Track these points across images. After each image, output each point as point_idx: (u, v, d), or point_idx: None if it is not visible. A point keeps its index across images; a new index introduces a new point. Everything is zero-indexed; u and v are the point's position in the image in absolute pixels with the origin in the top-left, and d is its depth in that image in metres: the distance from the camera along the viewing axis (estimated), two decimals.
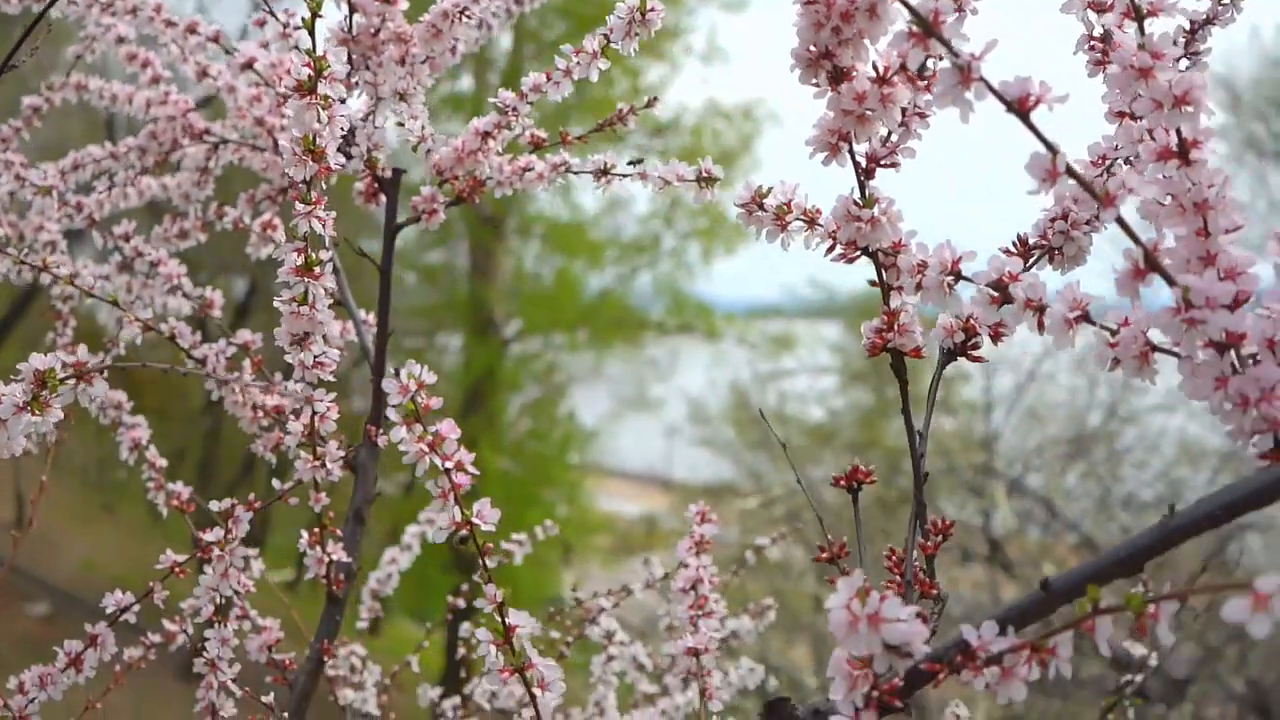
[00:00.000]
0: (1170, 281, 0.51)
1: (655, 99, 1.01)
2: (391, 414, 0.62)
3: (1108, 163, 0.70)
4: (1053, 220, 0.69)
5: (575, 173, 0.99)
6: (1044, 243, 0.69)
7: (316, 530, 0.96)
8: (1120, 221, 0.51)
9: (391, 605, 1.52)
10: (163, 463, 1.10)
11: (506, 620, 0.65)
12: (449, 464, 0.62)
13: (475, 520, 0.63)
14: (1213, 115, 0.55)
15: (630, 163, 0.85)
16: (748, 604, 1.50)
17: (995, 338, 0.67)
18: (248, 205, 1.19)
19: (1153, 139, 0.56)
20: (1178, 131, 0.53)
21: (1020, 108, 0.51)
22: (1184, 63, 0.73)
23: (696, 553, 0.98)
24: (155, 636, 1.13)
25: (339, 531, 0.96)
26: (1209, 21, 0.74)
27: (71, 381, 0.67)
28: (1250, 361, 0.52)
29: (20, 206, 1.33)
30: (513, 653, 0.65)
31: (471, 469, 0.63)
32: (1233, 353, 0.53)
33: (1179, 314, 0.51)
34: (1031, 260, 0.69)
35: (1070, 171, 0.50)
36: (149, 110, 1.21)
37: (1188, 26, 0.74)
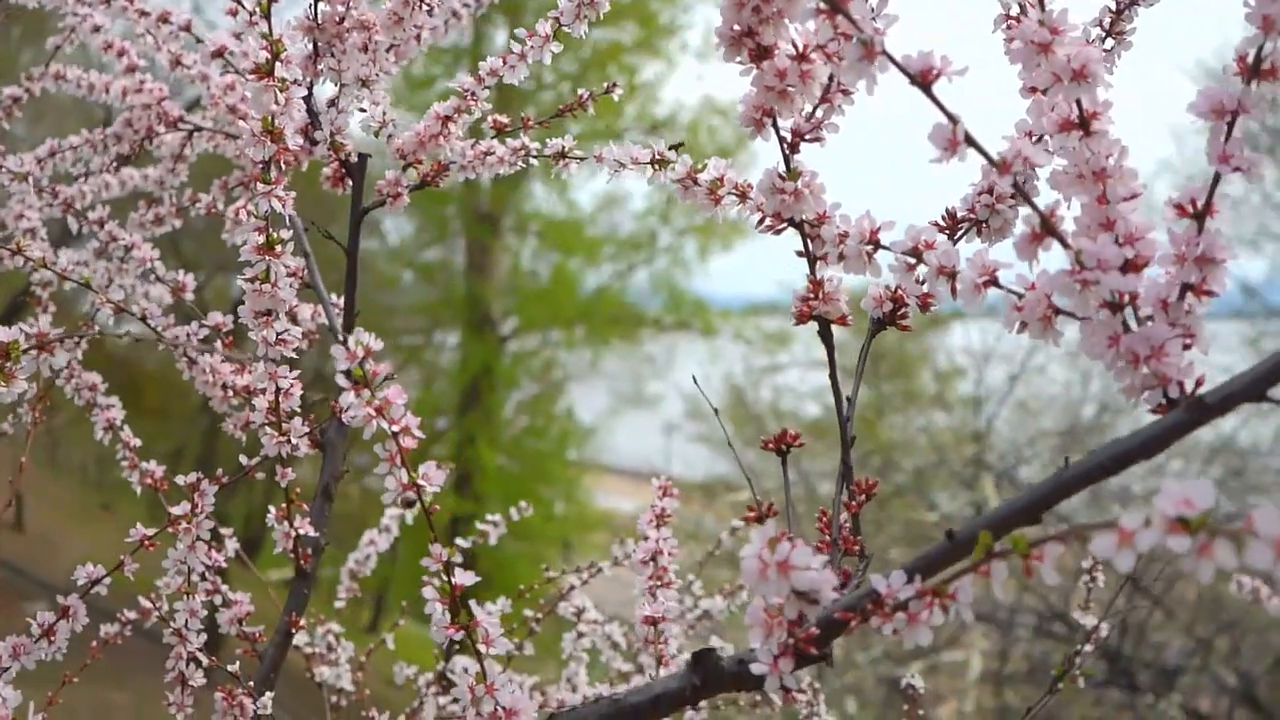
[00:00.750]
0: (1065, 245, 0.54)
1: (615, 84, 1.04)
2: (340, 379, 0.64)
3: (1033, 139, 0.72)
4: (979, 194, 0.71)
5: (535, 157, 1.01)
6: (971, 216, 0.71)
7: (284, 506, 0.98)
8: (1017, 188, 0.54)
9: (390, 605, 1.54)
10: (136, 442, 1.13)
11: (452, 580, 0.68)
12: (396, 428, 0.65)
13: (421, 482, 0.66)
14: (1110, 88, 0.57)
15: (671, 147, 0.85)
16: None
17: (924, 307, 0.70)
18: (221, 191, 1.21)
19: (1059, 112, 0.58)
20: (1078, 103, 0.56)
21: (923, 80, 0.53)
22: (1109, 42, 0.76)
23: (657, 526, 1.01)
24: (130, 613, 1.16)
25: (305, 506, 0.99)
26: (1134, 2, 0.76)
27: (34, 352, 0.70)
28: (1146, 322, 0.55)
29: (2, 196, 1.35)
30: (459, 610, 0.67)
31: (418, 433, 0.66)
32: (1130, 312, 0.55)
33: (1074, 275, 0.53)
34: (960, 233, 0.72)
35: (969, 140, 0.53)
36: (125, 98, 1.23)
37: (1114, 6, 0.77)
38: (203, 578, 0.97)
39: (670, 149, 0.86)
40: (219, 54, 1.10)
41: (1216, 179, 0.55)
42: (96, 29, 1.24)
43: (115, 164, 1.22)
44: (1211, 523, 0.39)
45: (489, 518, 1.43)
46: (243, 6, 1.00)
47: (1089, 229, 0.56)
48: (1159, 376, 0.53)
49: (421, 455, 0.67)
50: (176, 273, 1.12)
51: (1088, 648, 1.13)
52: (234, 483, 0.96)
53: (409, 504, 0.67)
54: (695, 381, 1.17)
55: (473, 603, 0.68)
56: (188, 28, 1.14)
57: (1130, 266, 0.55)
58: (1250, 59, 0.54)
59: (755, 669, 0.57)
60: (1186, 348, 0.54)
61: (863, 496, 0.68)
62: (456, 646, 1.58)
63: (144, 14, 1.14)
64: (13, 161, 1.17)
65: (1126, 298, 0.54)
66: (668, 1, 11.07)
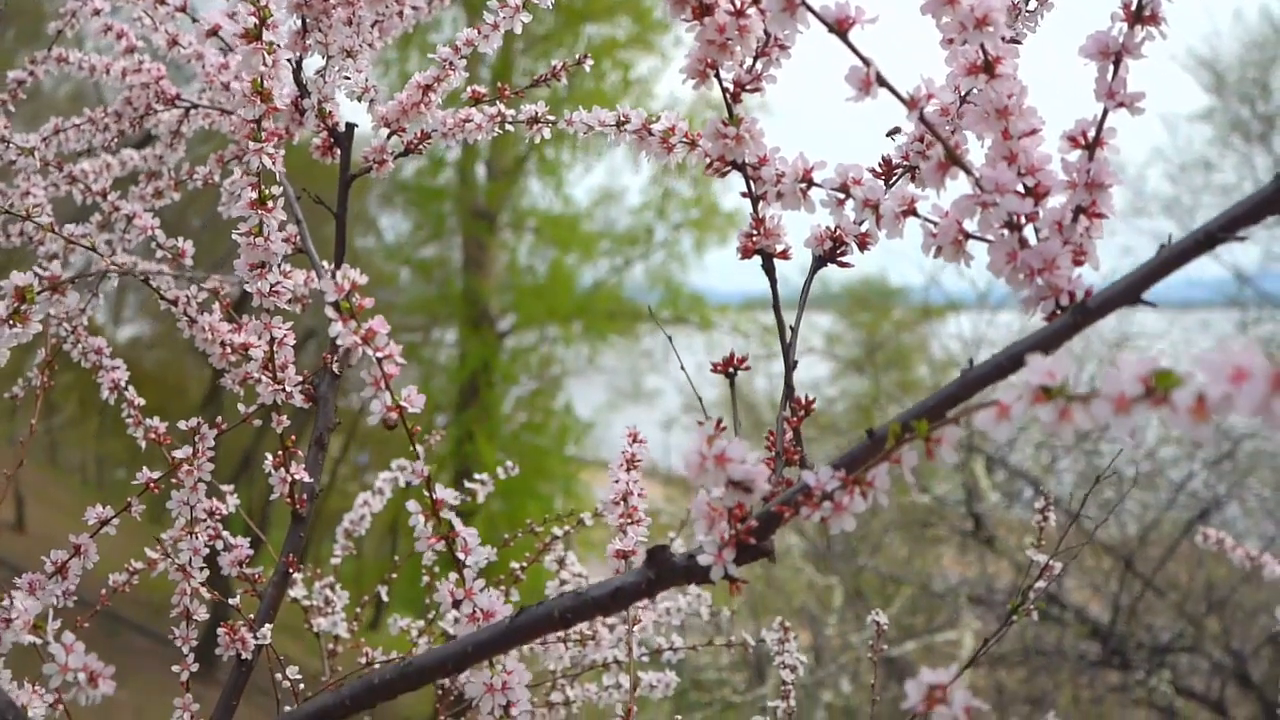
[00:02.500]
0: (968, 172, 0.61)
1: (587, 56, 1.11)
2: (329, 311, 0.71)
3: (962, 92, 0.79)
4: (912, 142, 0.78)
5: (511, 123, 1.08)
6: (905, 162, 0.78)
7: (280, 452, 1.05)
8: (923, 121, 0.60)
9: (389, 601, 1.61)
10: (141, 401, 1.19)
11: (434, 494, 0.74)
12: (380, 354, 0.72)
13: (404, 404, 0.73)
14: (1016, 40, 0.64)
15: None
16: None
17: (862, 246, 0.77)
18: (217, 164, 1.28)
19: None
20: (982, 48, 0.63)
21: (840, 28, 0.60)
22: (1033, 2, 0.82)
23: (627, 469, 1.08)
24: (137, 563, 1.22)
25: (300, 453, 1.05)
26: None
27: (47, 294, 0.76)
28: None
29: (8, 176, 1.42)
30: (440, 522, 0.74)
31: (400, 359, 0.72)
32: (1030, 232, 0.62)
33: (975, 199, 0.60)
34: (895, 177, 0.78)
35: (880, 80, 0.60)
36: (125, 78, 1.30)
37: None
38: (209, 516, 1.04)
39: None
40: (213, 33, 1.16)
41: (1105, 113, 0.62)
42: (96, 12, 1.30)
43: (116, 142, 1.29)
44: (1068, 390, 0.46)
45: (477, 476, 1.49)
46: None
47: (994, 161, 0.63)
48: (1051, 288, 0.60)
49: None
50: (176, 240, 1.19)
51: (1040, 583, 1.20)
52: (233, 429, 1.03)
53: (390, 425, 0.74)
54: (682, 368, 1.20)
55: (453, 517, 0.75)
56: (183, 8, 1.20)
57: (1033, 194, 0.62)
58: (1134, 6, 0.61)
59: (702, 560, 0.64)
60: (1079, 264, 0.61)
61: (803, 412, 0.74)
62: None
63: None
64: (19, 138, 1.24)
65: (1023, 218, 0.60)
66: None
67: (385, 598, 1.52)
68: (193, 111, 1.30)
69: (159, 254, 1.23)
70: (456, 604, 0.73)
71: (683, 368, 1.23)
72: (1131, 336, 7.97)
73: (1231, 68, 8.90)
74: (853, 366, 10.14)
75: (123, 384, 1.22)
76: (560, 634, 1.27)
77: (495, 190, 11.91)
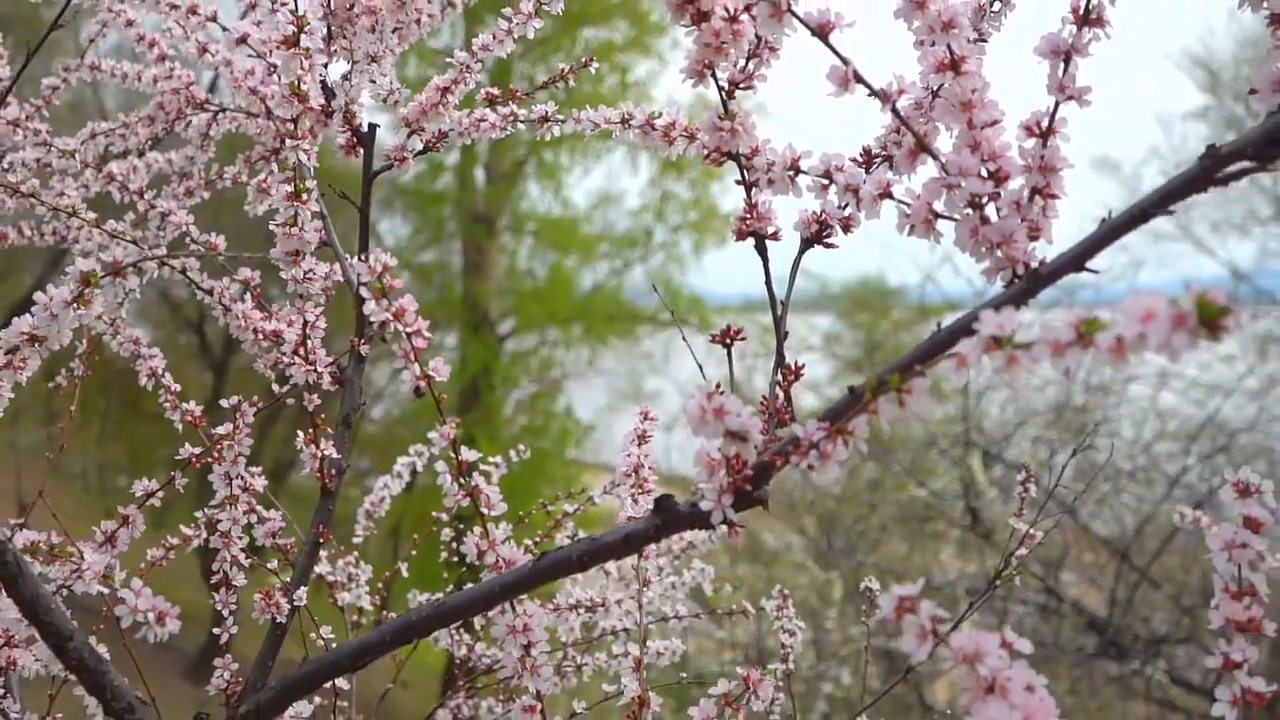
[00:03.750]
0: (935, 158, 0.69)
1: (591, 59, 1.19)
2: (364, 291, 0.79)
3: (933, 87, 0.87)
4: (889, 133, 0.86)
5: (522, 122, 1.16)
6: (883, 151, 0.86)
7: (311, 430, 1.13)
8: (895, 113, 0.68)
9: (393, 605, 1.68)
10: (176, 387, 1.27)
11: (460, 455, 0.82)
12: (410, 329, 0.80)
13: (431, 373, 0.81)
14: (983, 42, 0.72)
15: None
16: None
17: (845, 229, 0.85)
18: (244, 165, 1.36)
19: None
20: (949, 48, 0.71)
21: (822, 32, 0.68)
22: (997, 4, 0.91)
23: (638, 444, 1.16)
24: (173, 539, 1.30)
25: (330, 430, 1.13)
26: None
27: (109, 278, 0.84)
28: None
29: (44, 177, 1.50)
30: (465, 481, 0.82)
31: (427, 334, 0.80)
32: (992, 210, 0.70)
33: (942, 182, 0.68)
34: (875, 165, 0.86)
35: (857, 77, 0.68)
36: (156, 84, 1.38)
37: None
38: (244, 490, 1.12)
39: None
40: (242, 41, 1.24)
41: (1056, 105, 0.70)
42: (130, 23, 1.39)
43: (149, 144, 1.37)
44: (1013, 339, 0.54)
45: (490, 460, 1.57)
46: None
47: (960, 149, 0.71)
48: (1009, 259, 0.68)
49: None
50: (209, 235, 1.27)
51: (1021, 550, 1.27)
52: (267, 409, 1.11)
53: (420, 394, 0.82)
54: (694, 358, 1.29)
55: (476, 475, 0.83)
56: (214, 18, 1.29)
57: (994, 177, 0.70)
58: (1082, 10, 0.69)
59: (704, 505, 0.72)
60: (1034, 238, 0.69)
61: (793, 376, 0.82)
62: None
63: (174, 6, 1.28)
64: (59, 141, 1.32)
65: (985, 199, 0.69)
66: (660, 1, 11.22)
67: (405, 573, 1.59)
68: (220, 115, 1.38)
69: (191, 248, 1.30)
70: (481, 554, 0.81)
71: (695, 359, 1.32)
72: None
73: (1226, 66, 8.99)
74: (852, 367, 10.21)
75: (159, 371, 1.30)
76: (572, 604, 1.35)
77: (494, 194, 11.99)
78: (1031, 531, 1.28)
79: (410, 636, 0.77)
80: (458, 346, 11.77)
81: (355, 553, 1.53)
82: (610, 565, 1.57)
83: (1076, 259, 0.64)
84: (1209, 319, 0.45)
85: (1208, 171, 0.61)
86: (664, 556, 1.59)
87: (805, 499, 7.23)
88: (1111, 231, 0.63)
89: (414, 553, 1.65)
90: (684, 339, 0.97)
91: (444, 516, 1.63)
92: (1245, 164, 0.62)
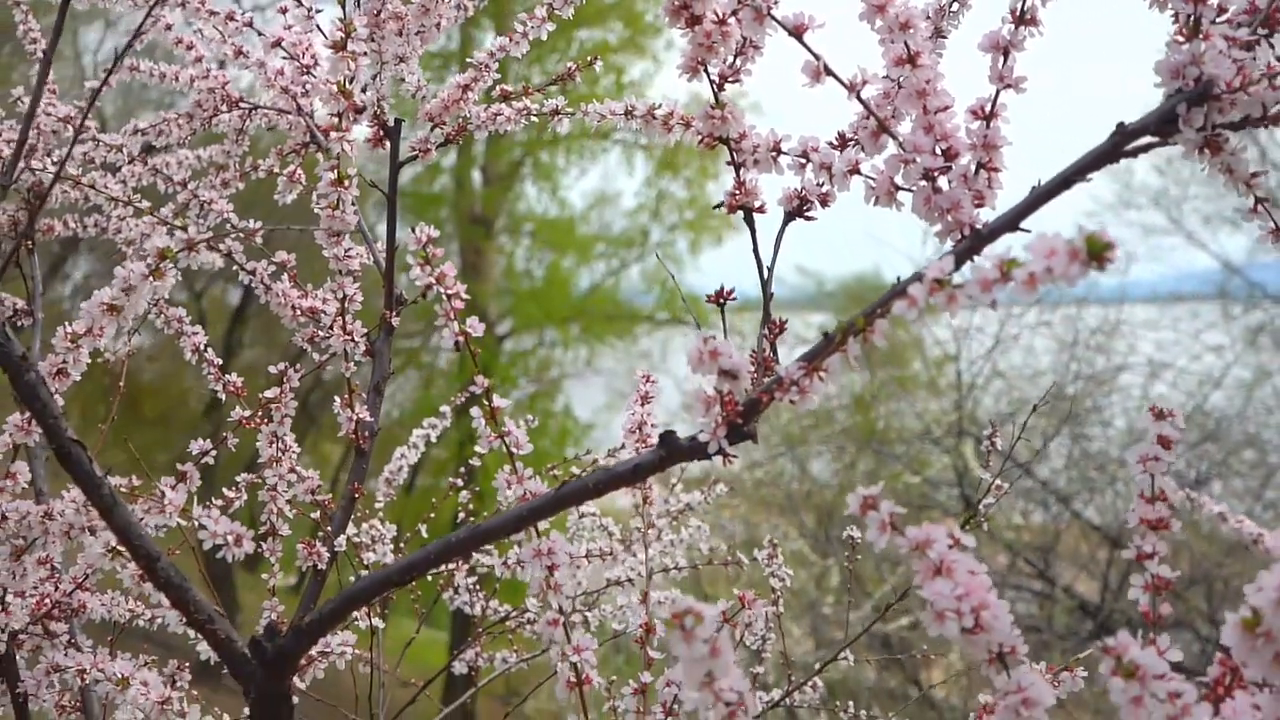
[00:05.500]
0: (893, 137, 0.81)
1: (596, 58, 1.31)
2: (410, 258, 0.91)
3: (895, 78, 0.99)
4: (860, 119, 0.98)
5: (535, 116, 1.28)
6: (854, 135, 0.98)
7: (347, 395, 1.25)
8: (861, 102, 0.81)
9: (393, 606, 1.79)
10: (219, 360, 1.39)
11: (492, 403, 0.95)
12: (449, 292, 0.92)
13: (468, 329, 0.93)
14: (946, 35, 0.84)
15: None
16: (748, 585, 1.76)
17: (823, 203, 0.97)
18: (277, 157, 1.48)
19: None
20: (906, 45, 0.83)
21: (797, 32, 0.81)
22: (955, 4, 1.03)
23: (642, 403, 1.28)
24: (219, 501, 1.42)
25: (364, 395, 1.26)
26: None
27: (184, 252, 0.96)
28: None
29: (87, 170, 1.62)
30: (497, 424, 0.94)
31: (465, 296, 0.93)
32: (944, 181, 0.83)
33: (900, 158, 0.81)
34: (848, 147, 0.99)
35: (828, 70, 0.80)
36: (193, 84, 1.50)
37: None
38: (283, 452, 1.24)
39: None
40: (277, 44, 1.37)
41: (997, 92, 0.82)
42: (169, 27, 1.51)
43: (188, 140, 1.49)
44: (951, 281, 0.66)
45: (523, 420, 1.69)
46: (300, 3, 1.28)
47: (916, 130, 0.84)
48: (957, 222, 0.80)
49: (424, 456, 0.94)
50: (247, 222, 1.39)
51: (988, 499, 1.40)
52: (305, 375, 1.23)
53: (458, 347, 0.94)
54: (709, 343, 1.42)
55: (506, 419, 0.95)
56: (250, 24, 1.41)
57: (945, 155, 0.83)
58: (1018, 11, 0.82)
59: (702, 437, 0.84)
60: (979, 205, 0.82)
61: (778, 330, 0.95)
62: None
63: (213, 13, 1.41)
64: (107, 137, 1.44)
65: (937, 173, 0.81)
66: (655, 2, 11.36)
67: (425, 534, 1.72)
68: (253, 112, 1.50)
69: (231, 235, 1.43)
70: (509, 486, 0.93)
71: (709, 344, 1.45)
72: (1121, 324, 8.19)
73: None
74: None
75: (202, 346, 1.42)
76: (584, 552, 1.47)
77: (491, 196, 12.10)
78: (998, 483, 1.41)
79: (451, 556, 0.89)
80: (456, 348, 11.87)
81: (380, 514, 1.65)
82: (614, 528, 1.69)
83: (1011, 221, 0.77)
84: (1096, 253, 0.57)
85: (1116, 146, 0.74)
86: (664, 519, 1.72)
87: (803, 490, 7.37)
88: (1040, 197, 0.76)
89: (432, 515, 1.77)
90: (695, 323, 1.09)
91: (459, 482, 1.75)
92: (1149, 139, 0.74)
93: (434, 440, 1.77)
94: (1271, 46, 0.76)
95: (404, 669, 1.80)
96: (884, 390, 8.66)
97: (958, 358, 7.30)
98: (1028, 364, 8.03)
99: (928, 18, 0.96)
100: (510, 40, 1.23)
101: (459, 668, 1.67)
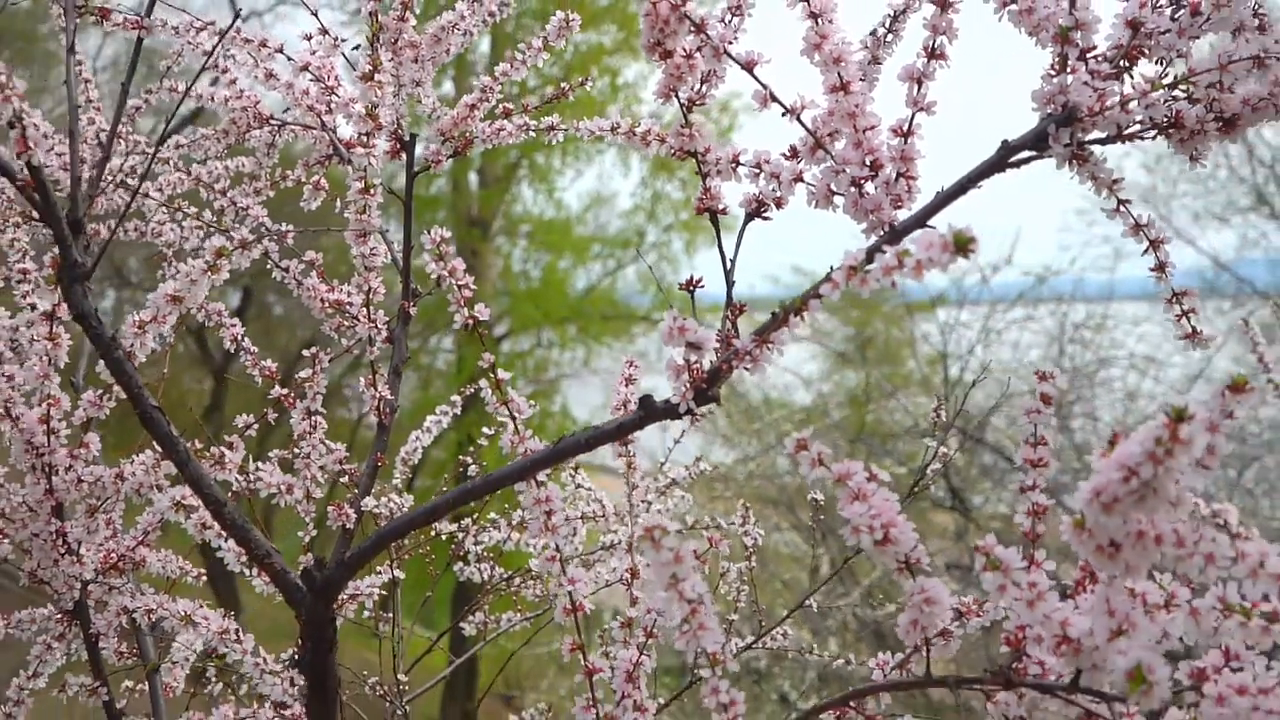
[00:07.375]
0: (827, 152, 0.99)
1: (587, 79, 1.50)
2: (426, 254, 1.09)
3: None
4: (805, 137, 1.16)
5: (535, 131, 1.46)
6: (799, 150, 1.16)
7: (371, 376, 1.43)
8: (800, 121, 0.99)
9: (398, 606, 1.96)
10: (255, 349, 1.57)
11: (497, 375, 1.13)
12: (460, 282, 1.10)
13: (477, 314, 1.11)
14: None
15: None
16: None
17: (778, 205, 1.15)
18: (304, 168, 1.66)
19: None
20: (839, 75, 1.01)
21: (748, 66, 0.99)
22: (889, 36, 1.21)
23: (626, 385, 1.46)
24: (273, 455, 1.59)
25: (385, 375, 1.44)
26: (907, 8, 1.21)
27: (239, 250, 1.14)
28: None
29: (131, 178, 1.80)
30: (501, 392, 1.12)
31: (473, 286, 1.11)
32: (870, 187, 1.01)
33: (833, 169, 0.99)
34: (797, 159, 1.17)
35: (773, 97, 0.98)
36: (227, 104, 1.68)
37: (892, 13, 1.22)
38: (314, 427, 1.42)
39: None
40: (305, 68, 1.55)
41: (913, 115, 1.00)
42: (207, 54, 1.69)
43: (226, 153, 1.67)
44: (864, 265, 0.84)
45: (486, 431, 1.88)
46: (325, 34, 1.46)
47: (847, 146, 1.02)
48: (879, 221, 0.98)
49: (424, 457, 1.12)
50: (279, 225, 1.57)
51: (935, 465, 1.57)
52: (338, 357, 1.41)
53: (468, 329, 1.12)
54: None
55: (508, 389, 1.13)
56: (281, 50, 1.59)
57: (871, 166, 1.01)
58: (930, 49, 1.00)
59: (674, 399, 1.02)
60: (898, 207, 1.00)
61: (739, 311, 1.13)
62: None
63: (247, 40, 1.59)
64: (158, 150, 1.62)
65: (864, 180, 0.99)
66: None
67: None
68: (282, 128, 1.68)
69: (268, 236, 1.61)
70: (513, 445, 1.12)
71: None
72: (1107, 319, 8.38)
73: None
74: (843, 360, 10.54)
75: (240, 336, 1.60)
76: (580, 513, 1.66)
77: (488, 198, 12.26)
78: (944, 451, 1.59)
79: (467, 499, 1.07)
80: (455, 349, 12.07)
81: (397, 487, 1.83)
82: (606, 499, 1.87)
83: (919, 220, 0.95)
84: (961, 245, 0.76)
85: (1002, 158, 0.92)
86: (651, 493, 1.90)
87: (795, 484, 7.55)
88: (943, 200, 0.94)
89: (444, 488, 1.94)
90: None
91: (469, 460, 1.94)
92: (1028, 153, 0.92)
93: (446, 426, 1.94)
94: (1131, 76, 0.94)
95: (405, 669, 1.96)
96: (877, 389, 8.85)
97: (945, 354, 7.49)
98: (1015, 359, 8.23)
99: (865, 47, 1.15)
100: (511, 66, 1.41)
101: (468, 629, 1.85)
